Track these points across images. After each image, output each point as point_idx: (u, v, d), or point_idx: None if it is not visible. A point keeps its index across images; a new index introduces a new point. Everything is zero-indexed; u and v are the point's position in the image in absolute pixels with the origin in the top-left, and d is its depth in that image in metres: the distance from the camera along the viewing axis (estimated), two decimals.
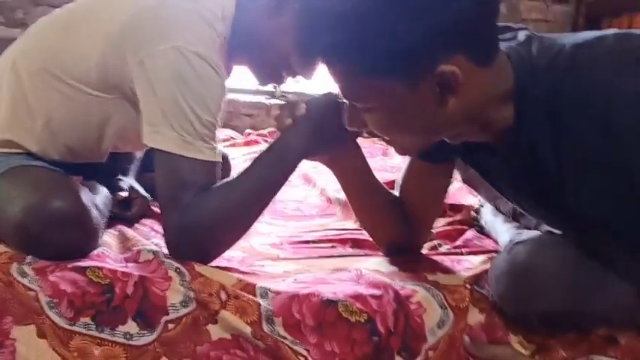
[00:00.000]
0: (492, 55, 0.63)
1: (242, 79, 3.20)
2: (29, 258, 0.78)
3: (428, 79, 0.60)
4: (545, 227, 0.92)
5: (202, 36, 0.85)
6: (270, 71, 0.99)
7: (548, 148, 0.63)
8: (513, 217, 1.10)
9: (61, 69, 0.90)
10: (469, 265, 0.93)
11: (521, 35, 0.68)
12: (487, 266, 0.90)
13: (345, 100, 0.74)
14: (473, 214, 1.26)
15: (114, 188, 1.09)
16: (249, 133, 2.85)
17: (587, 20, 2.84)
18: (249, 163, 0.87)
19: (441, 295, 0.80)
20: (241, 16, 0.92)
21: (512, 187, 0.77)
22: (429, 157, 0.88)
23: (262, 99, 3.20)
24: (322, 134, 0.85)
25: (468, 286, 0.82)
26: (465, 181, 1.23)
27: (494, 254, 0.99)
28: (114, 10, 0.89)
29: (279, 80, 1.00)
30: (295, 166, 0.86)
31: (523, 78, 0.64)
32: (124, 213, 1.05)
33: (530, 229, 1.03)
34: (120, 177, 1.15)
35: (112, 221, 1.00)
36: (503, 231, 1.06)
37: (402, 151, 0.75)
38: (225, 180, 0.85)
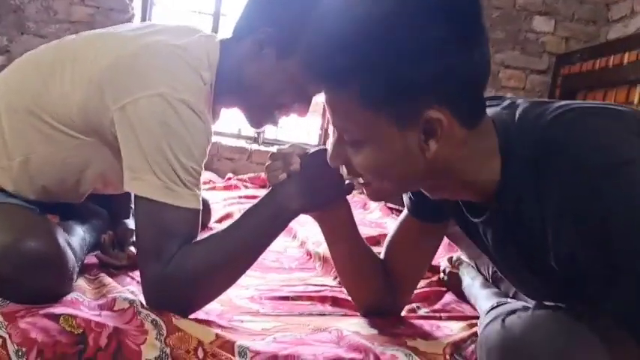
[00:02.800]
0: (476, 118, 0.67)
1: (224, 123, 3.25)
2: None
3: (415, 124, 0.63)
4: (524, 296, 0.93)
5: (187, 83, 0.84)
6: (262, 112, 0.97)
7: (532, 199, 0.64)
8: (492, 281, 1.10)
9: (43, 109, 0.88)
10: (448, 331, 0.93)
11: (506, 101, 0.73)
12: (467, 334, 0.90)
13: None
14: (442, 276, 1.27)
15: (122, 233, 1.07)
16: (230, 178, 2.86)
17: (562, 92, 2.98)
18: (239, 215, 0.86)
19: None
20: (226, 62, 0.92)
21: (495, 247, 0.77)
22: (423, 216, 0.89)
23: (244, 143, 3.23)
24: (317, 192, 0.84)
25: (447, 357, 0.81)
26: (449, 236, 1.24)
27: (473, 321, 0.99)
28: (98, 54, 0.88)
29: (273, 120, 0.98)
30: (287, 225, 0.86)
31: (506, 138, 0.67)
32: (113, 261, 1.02)
33: (508, 295, 1.03)
34: (130, 224, 1.12)
35: (87, 264, 0.98)
36: (482, 297, 1.07)
37: (375, 195, 0.75)
38: (213, 233, 0.84)
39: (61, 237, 0.85)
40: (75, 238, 0.96)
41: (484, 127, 0.67)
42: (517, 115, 0.68)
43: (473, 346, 0.86)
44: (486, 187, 0.69)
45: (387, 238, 0.98)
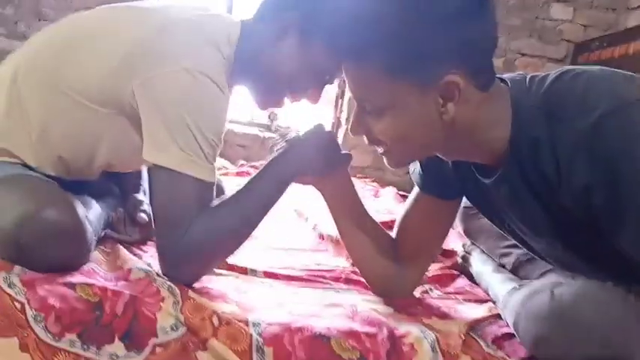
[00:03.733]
0: (489, 82, 0.72)
1: (237, 110, 3.24)
2: (18, 268, 0.76)
3: (434, 88, 0.68)
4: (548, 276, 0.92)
5: (209, 58, 0.85)
6: (272, 95, 0.98)
7: (545, 143, 0.68)
8: (514, 269, 1.09)
9: (62, 81, 0.89)
10: (465, 313, 0.92)
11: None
12: (484, 315, 0.89)
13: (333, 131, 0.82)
14: (459, 259, 1.27)
15: (132, 206, 1.08)
16: (242, 164, 2.86)
17: None
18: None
19: (434, 337, 0.78)
20: (246, 42, 0.93)
21: (511, 203, 0.79)
22: (434, 191, 0.92)
23: (256, 131, 3.23)
24: (316, 154, 0.90)
25: (462, 335, 0.81)
26: (466, 232, 1.24)
27: (490, 304, 0.99)
28: (119, 29, 0.89)
29: (280, 104, 1.00)
30: (290, 182, 0.89)
31: (518, 94, 0.72)
32: (124, 236, 1.03)
33: (529, 278, 1.02)
34: (139, 197, 1.12)
35: (104, 238, 0.99)
36: (496, 282, 1.06)
37: (396, 161, 0.79)
38: (225, 198, 0.86)
39: (81, 209, 0.86)
40: (92, 212, 0.97)
41: (496, 89, 0.72)
42: (527, 76, 0.74)
43: (491, 327, 0.86)
44: (499, 146, 0.73)
45: (399, 216, 0.98)
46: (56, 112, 0.90)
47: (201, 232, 0.79)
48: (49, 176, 0.93)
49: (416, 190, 0.97)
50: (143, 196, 1.14)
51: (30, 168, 0.92)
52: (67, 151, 0.94)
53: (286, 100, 1.00)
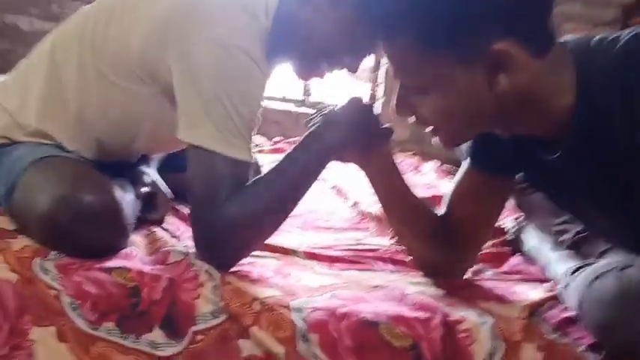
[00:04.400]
0: (546, 46, 0.63)
1: (271, 86, 3.21)
2: (53, 254, 0.74)
3: (481, 60, 0.61)
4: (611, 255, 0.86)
5: (245, 29, 0.81)
6: (312, 64, 0.94)
7: (616, 110, 0.61)
8: (573, 247, 1.02)
9: (101, 60, 0.87)
10: (524, 295, 0.85)
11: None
12: (544, 296, 0.83)
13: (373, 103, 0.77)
14: (511, 236, 1.20)
15: (136, 180, 1.04)
16: (277, 141, 2.83)
17: None
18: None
19: (493, 324, 0.72)
20: (283, 9, 0.89)
21: (576, 182, 0.72)
22: (488, 166, 0.84)
23: (291, 107, 3.18)
24: (355, 129, 0.84)
25: (523, 320, 0.75)
26: (520, 206, 1.17)
27: (549, 284, 0.92)
28: (156, 1, 0.86)
29: (320, 74, 0.95)
30: (329, 160, 0.84)
31: (582, 58, 0.64)
32: (146, 214, 1.00)
33: (591, 257, 0.95)
34: (143, 169, 1.09)
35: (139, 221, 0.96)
36: (554, 259, 0.98)
37: (448, 141, 0.72)
38: (260, 177, 0.81)
39: (118, 192, 0.84)
40: (129, 195, 0.95)
41: (556, 54, 0.64)
42: (594, 38, 0.66)
43: (552, 310, 0.79)
44: (561, 117, 0.65)
45: (448, 192, 0.92)
46: (94, 95, 0.89)
47: (236, 211, 0.75)
48: (85, 159, 0.91)
49: (466, 164, 0.90)
50: (147, 168, 1.10)
51: (65, 149, 0.90)
52: (106, 134, 0.92)
53: (328, 71, 0.94)
